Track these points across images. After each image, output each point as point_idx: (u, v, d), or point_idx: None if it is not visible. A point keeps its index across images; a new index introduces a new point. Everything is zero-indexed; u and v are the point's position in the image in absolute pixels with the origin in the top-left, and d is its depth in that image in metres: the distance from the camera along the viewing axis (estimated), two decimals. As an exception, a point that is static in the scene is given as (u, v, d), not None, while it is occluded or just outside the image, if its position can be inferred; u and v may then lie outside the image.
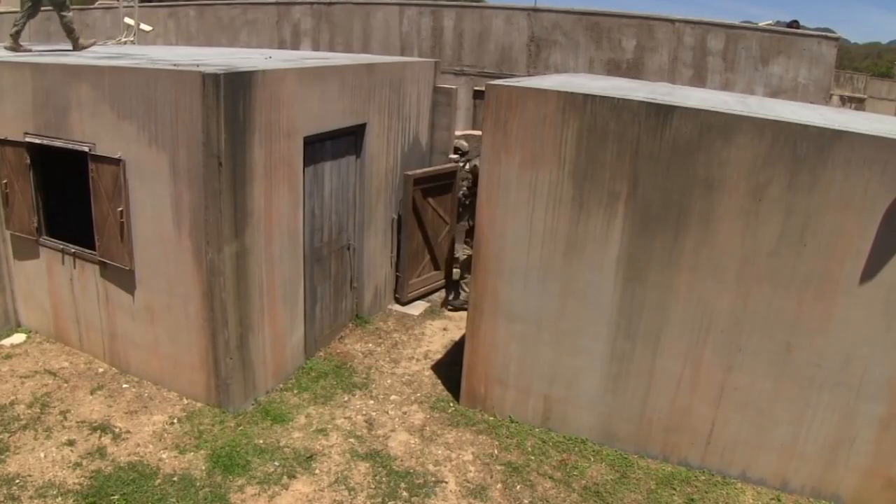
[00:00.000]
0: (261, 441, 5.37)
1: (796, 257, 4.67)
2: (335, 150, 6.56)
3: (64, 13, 7.49)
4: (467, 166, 8.17)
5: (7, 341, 6.69)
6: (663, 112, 4.77)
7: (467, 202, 8.29)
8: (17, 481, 4.77)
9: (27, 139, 5.99)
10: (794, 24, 12.25)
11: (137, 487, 4.78)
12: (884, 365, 4.69)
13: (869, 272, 4.54)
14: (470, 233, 8.30)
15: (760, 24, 12.65)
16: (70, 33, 7.60)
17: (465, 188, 8.39)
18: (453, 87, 8.66)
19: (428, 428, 5.74)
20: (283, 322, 6.11)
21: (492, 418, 5.90)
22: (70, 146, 5.72)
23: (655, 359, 5.25)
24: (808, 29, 12.00)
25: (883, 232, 4.43)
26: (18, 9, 8.78)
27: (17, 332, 6.88)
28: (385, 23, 13.92)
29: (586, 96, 4.96)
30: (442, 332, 7.61)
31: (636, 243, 5.07)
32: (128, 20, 11.25)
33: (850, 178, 4.41)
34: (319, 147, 6.27)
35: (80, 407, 5.69)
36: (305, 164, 6.02)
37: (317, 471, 5.11)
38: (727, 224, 4.77)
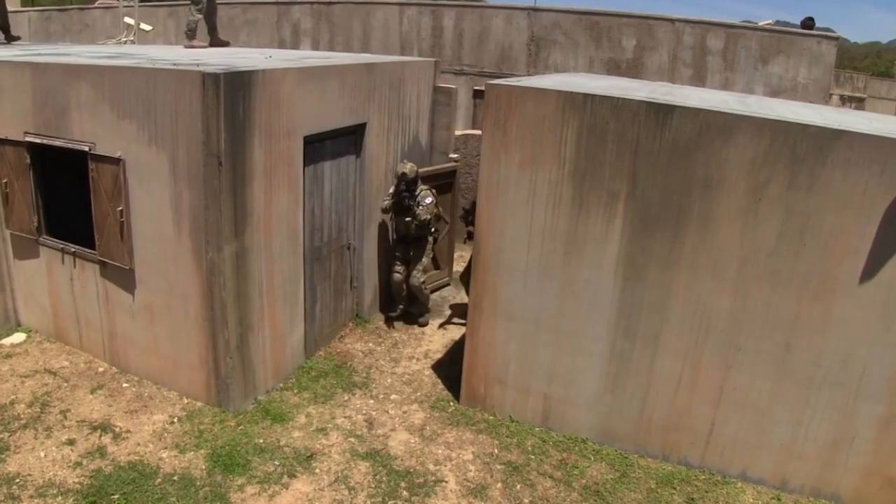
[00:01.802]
0: (261, 440, 5.37)
1: (795, 257, 4.67)
2: (335, 149, 6.57)
3: (210, 11, 8.54)
4: (400, 170, 7.08)
5: (7, 340, 6.70)
6: (663, 112, 4.78)
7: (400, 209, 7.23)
8: (18, 481, 4.78)
9: (27, 138, 5.99)
10: (808, 21, 12.14)
11: (137, 487, 4.79)
12: (883, 365, 4.69)
13: (868, 272, 4.54)
14: (405, 250, 7.49)
15: (760, 24, 12.66)
16: (211, 30, 8.73)
17: (386, 201, 7.24)
18: (453, 86, 8.66)
19: (428, 427, 5.75)
20: (283, 321, 6.11)
21: (492, 418, 5.90)
22: (70, 146, 5.73)
23: (655, 358, 5.26)
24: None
25: (882, 232, 4.43)
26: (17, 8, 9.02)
27: (17, 331, 6.89)
28: (385, 22, 13.93)
29: (586, 96, 4.96)
30: (442, 332, 7.61)
31: (635, 243, 5.07)
32: (128, 20, 11.27)
33: (850, 178, 4.42)
34: (319, 147, 6.27)
35: (81, 406, 5.69)
36: (305, 164, 6.02)
37: (317, 470, 5.12)
38: (726, 224, 4.78)
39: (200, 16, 8.34)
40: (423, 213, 7.14)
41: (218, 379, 5.64)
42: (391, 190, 7.23)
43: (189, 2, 8.46)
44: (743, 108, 5.23)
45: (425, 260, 7.54)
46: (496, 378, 5.85)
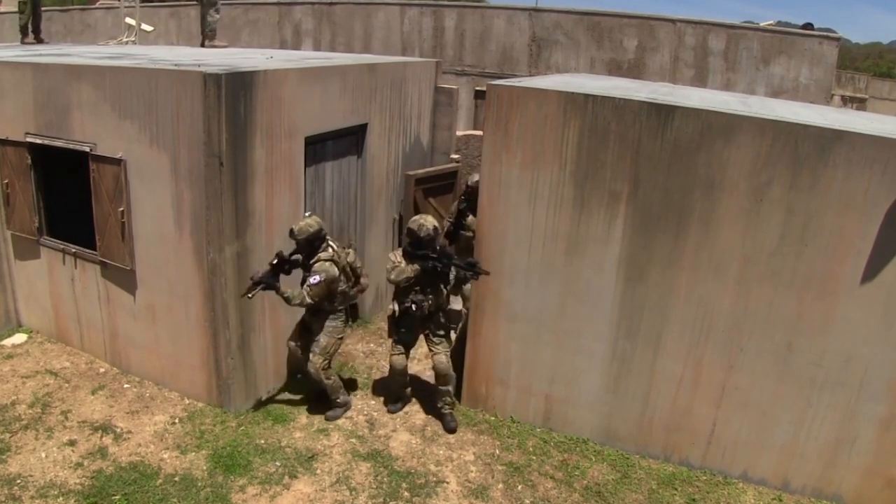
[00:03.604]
0: (262, 441, 5.37)
1: (797, 257, 4.67)
2: (336, 150, 6.57)
3: (211, 12, 8.71)
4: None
5: (8, 341, 6.70)
6: (664, 112, 4.77)
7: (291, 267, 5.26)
8: (19, 481, 4.78)
9: (28, 139, 5.99)
10: (807, 27, 12.28)
11: (139, 487, 4.79)
12: (885, 365, 4.68)
13: (870, 272, 4.53)
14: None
15: (762, 25, 12.66)
16: (208, 32, 8.80)
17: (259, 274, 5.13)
18: (455, 87, 8.65)
19: (429, 428, 5.74)
20: (285, 322, 6.09)
21: (493, 418, 5.90)
22: (71, 146, 5.73)
23: (656, 359, 5.25)
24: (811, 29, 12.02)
25: (884, 232, 4.43)
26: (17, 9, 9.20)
27: (19, 331, 6.89)
28: (386, 23, 13.92)
29: (587, 96, 4.96)
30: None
31: (637, 243, 5.07)
32: (129, 20, 11.28)
33: (851, 178, 4.41)
34: (321, 147, 6.27)
35: (82, 407, 5.69)
36: (307, 165, 6.02)
37: (318, 471, 5.11)
38: (728, 224, 4.77)
39: (218, 16, 8.46)
40: (297, 298, 5.12)
41: (219, 379, 5.64)
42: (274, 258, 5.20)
43: (199, 3, 8.55)
44: (744, 108, 5.23)
45: (324, 340, 5.46)
46: (498, 378, 5.85)
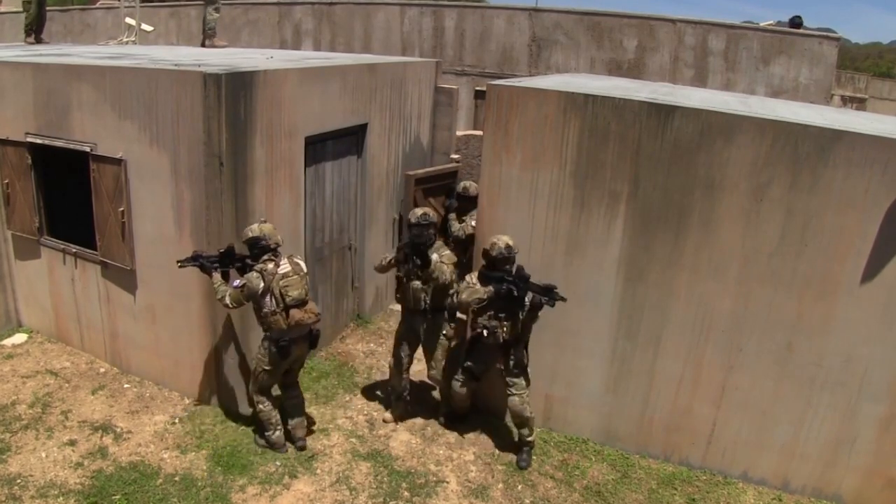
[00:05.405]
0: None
1: (797, 257, 4.67)
2: (336, 150, 6.57)
3: (210, 10, 8.80)
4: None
5: (8, 341, 6.70)
6: (664, 112, 4.77)
7: None
8: (19, 481, 4.78)
9: (28, 139, 5.99)
10: (796, 19, 12.17)
11: (139, 487, 4.79)
12: (885, 365, 4.69)
13: (870, 272, 4.54)
14: None
15: (762, 25, 12.65)
16: (209, 31, 8.89)
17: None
18: (454, 87, 8.66)
19: (429, 428, 5.74)
20: (285, 322, 6.10)
21: (493, 418, 5.89)
22: (71, 146, 5.73)
23: (656, 359, 5.25)
24: (809, 29, 11.99)
25: (884, 232, 4.43)
26: (21, 8, 9.19)
27: (19, 331, 6.89)
28: (386, 23, 13.92)
29: (587, 96, 4.96)
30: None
31: (637, 243, 5.07)
32: (129, 20, 11.27)
33: (851, 178, 4.42)
34: (321, 147, 6.27)
35: (82, 407, 5.69)
36: (307, 164, 6.02)
37: (318, 470, 5.11)
38: (728, 224, 4.77)
39: (218, 14, 8.47)
40: (220, 294, 4.91)
41: (219, 379, 5.64)
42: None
43: (203, 2, 8.57)
44: (744, 108, 5.23)
45: (252, 364, 5.29)
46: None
